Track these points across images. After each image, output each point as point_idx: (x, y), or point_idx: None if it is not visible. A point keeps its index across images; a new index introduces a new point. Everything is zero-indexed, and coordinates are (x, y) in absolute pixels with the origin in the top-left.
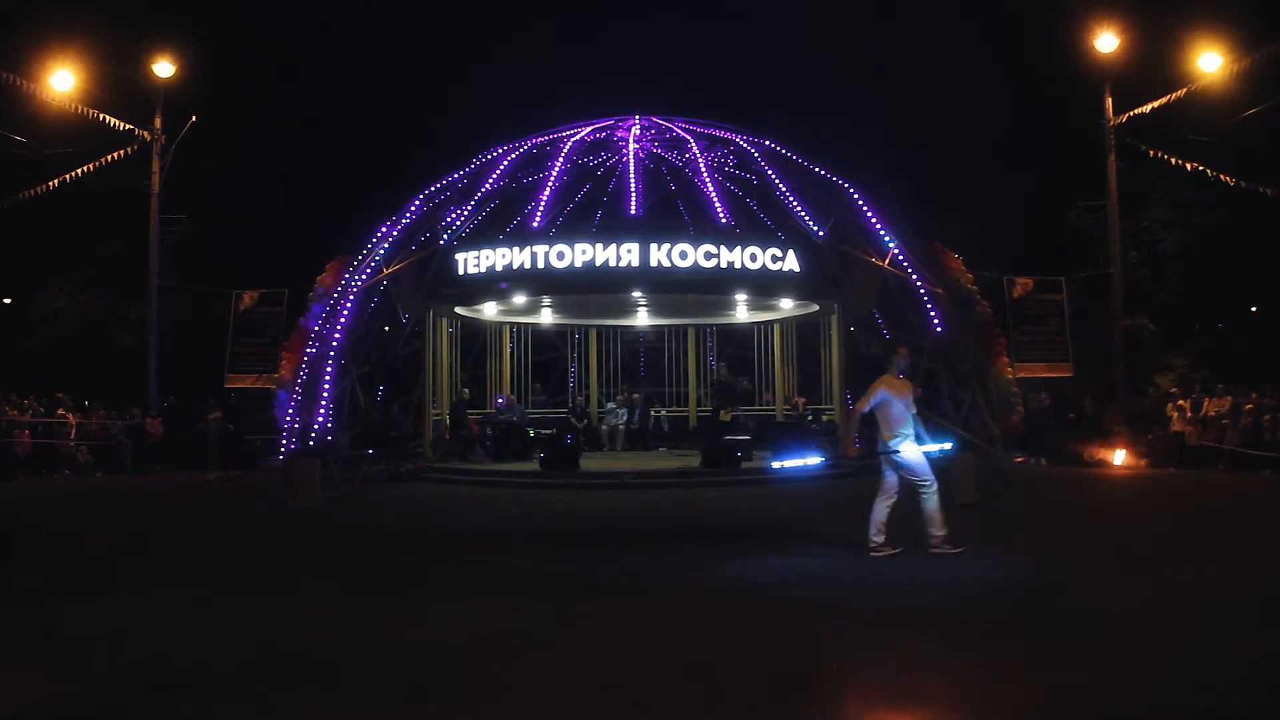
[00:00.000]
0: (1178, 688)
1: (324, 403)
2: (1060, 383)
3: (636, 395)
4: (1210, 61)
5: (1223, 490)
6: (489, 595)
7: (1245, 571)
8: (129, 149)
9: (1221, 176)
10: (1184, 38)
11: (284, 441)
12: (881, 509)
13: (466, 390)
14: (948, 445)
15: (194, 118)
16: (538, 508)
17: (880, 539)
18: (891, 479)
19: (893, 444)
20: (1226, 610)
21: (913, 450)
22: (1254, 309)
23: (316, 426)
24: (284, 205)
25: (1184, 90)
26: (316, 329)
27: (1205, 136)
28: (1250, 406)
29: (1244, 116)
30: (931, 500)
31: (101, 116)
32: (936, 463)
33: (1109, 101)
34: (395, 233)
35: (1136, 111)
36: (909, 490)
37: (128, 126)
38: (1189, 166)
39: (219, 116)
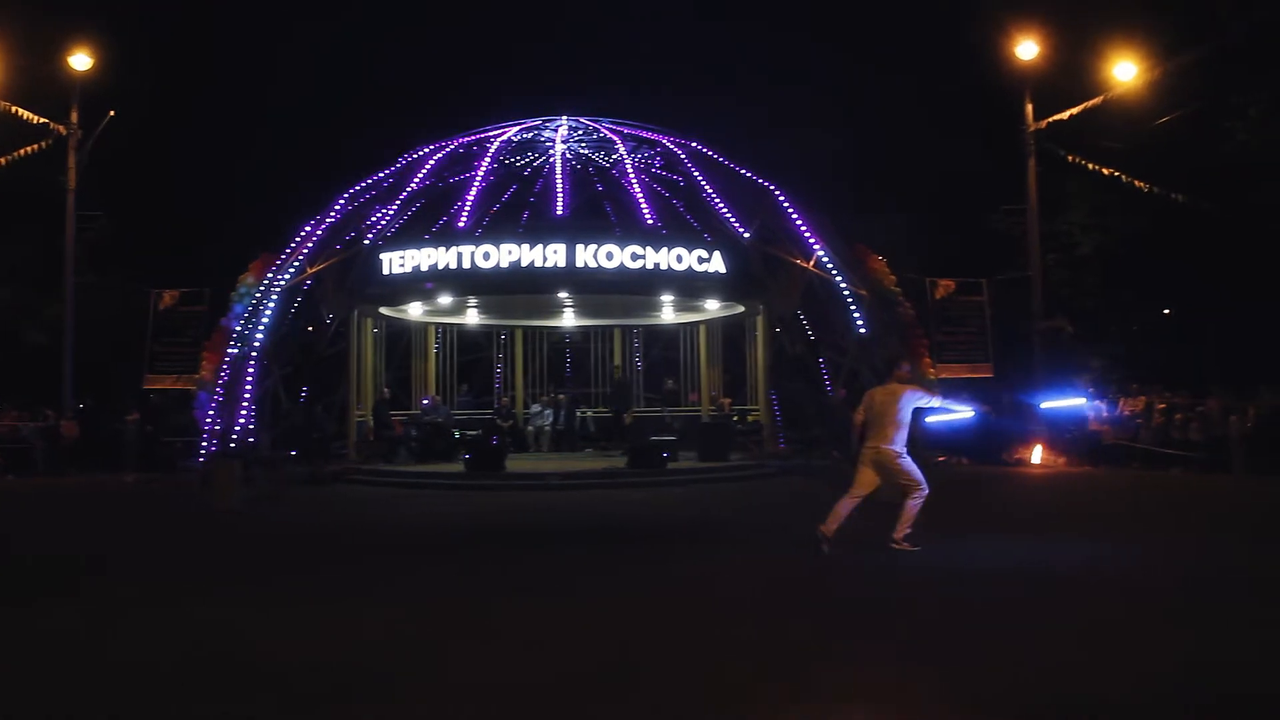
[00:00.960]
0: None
1: (245, 404)
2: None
3: (562, 396)
4: (1125, 70)
5: (1139, 487)
6: (409, 598)
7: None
8: (43, 143)
9: (1136, 182)
10: (1101, 47)
11: (204, 443)
12: (849, 504)
13: (387, 390)
14: (970, 412)
15: (111, 112)
16: (461, 509)
17: (833, 527)
18: (867, 478)
19: (898, 445)
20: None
21: (910, 458)
22: (1166, 311)
23: (238, 428)
24: (206, 203)
25: (1101, 98)
26: (238, 329)
27: (1121, 144)
28: (1163, 406)
29: (1158, 124)
30: (917, 504)
31: (14, 109)
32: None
33: (1029, 107)
34: (319, 231)
35: (1055, 118)
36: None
37: (42, 120)
38: (1105, 172)
39: (139, 112)
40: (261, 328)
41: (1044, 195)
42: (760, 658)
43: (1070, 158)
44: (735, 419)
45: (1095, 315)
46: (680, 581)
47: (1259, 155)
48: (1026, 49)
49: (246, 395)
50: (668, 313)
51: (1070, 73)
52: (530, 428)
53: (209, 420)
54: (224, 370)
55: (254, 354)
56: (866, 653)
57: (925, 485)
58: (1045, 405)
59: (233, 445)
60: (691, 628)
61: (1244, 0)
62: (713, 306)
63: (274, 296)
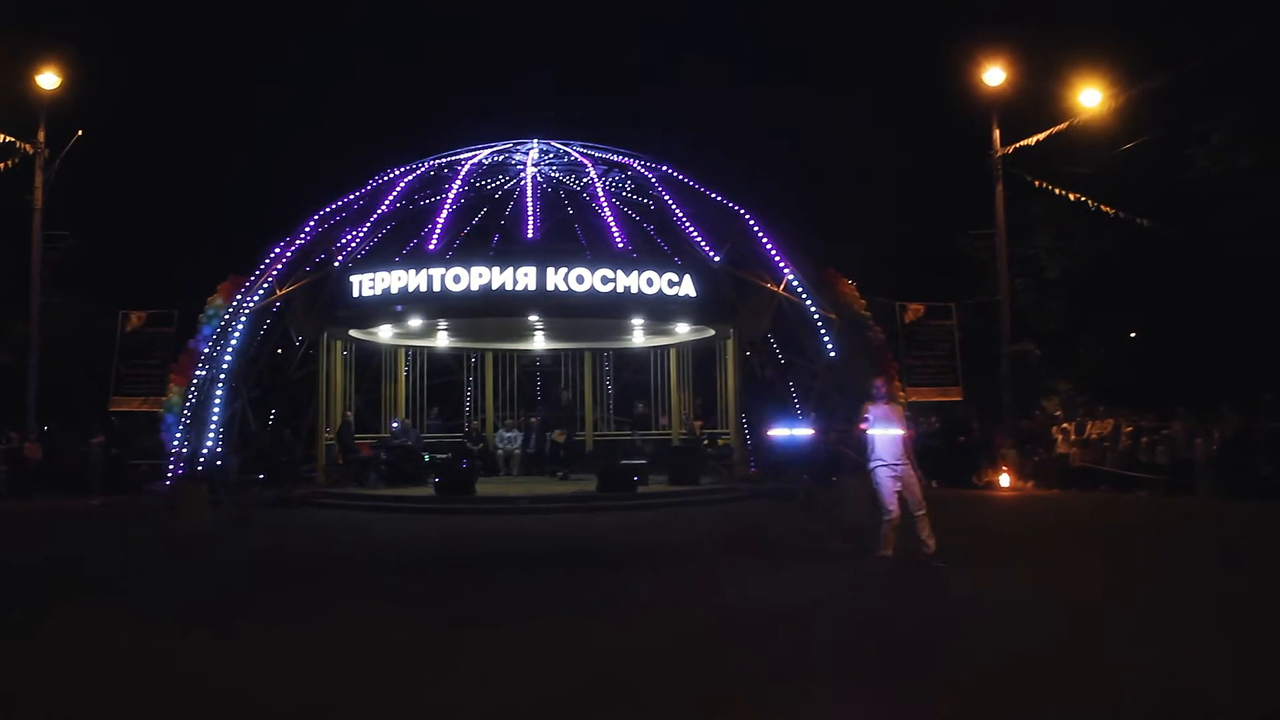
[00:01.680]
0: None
1: (213, 426)
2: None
3: (533, 419)
4: (1090, 97)
5: (1106, 510)
6: (378, 621)
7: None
8: (10, 162)
9: (1102, 207)
10: (1067, 74)
11: (170, 466)
12: (922, 524)
13: (350, 413)
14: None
15: (80, 132)
16: (431, 533)
17: (931, 545)
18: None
19: (868, 465)
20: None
21: (881, 474)
22: (1133, 334)
23: (205, 450)
24: (175, 223)
25: (1066, 124)
26: (206, 351)
27: (1086, 169)
28: (1130, 429)
29: (1122, 150)
30: (883, 525)
31: None
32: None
33: (996, 133)
34: (289, 253)
35: (1022, 143)
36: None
37: (8, 139)
38: (1071, 197)
39: (108, 131)
40: (230, 350)
41: (1011, 220)
42: (729, 678)
43: (1037, 183)
44: (706, 442)
45: (1062, 338)
46: (648, 605)
47: (1220, 182)
48: (993, 75)
49: (214, 418)
50: (638, 336)
51: (1036, 99)
52: (500, 451)
53: (176, 443)
54: (191, 392)
55: (222, 376)
56: (833, 673)
57: (889, 507)
58: (774, 433)
59: (200, 468)
60: (660, 650)
61: (1207, 30)
62: (683, 330)
63: (243, 318)
